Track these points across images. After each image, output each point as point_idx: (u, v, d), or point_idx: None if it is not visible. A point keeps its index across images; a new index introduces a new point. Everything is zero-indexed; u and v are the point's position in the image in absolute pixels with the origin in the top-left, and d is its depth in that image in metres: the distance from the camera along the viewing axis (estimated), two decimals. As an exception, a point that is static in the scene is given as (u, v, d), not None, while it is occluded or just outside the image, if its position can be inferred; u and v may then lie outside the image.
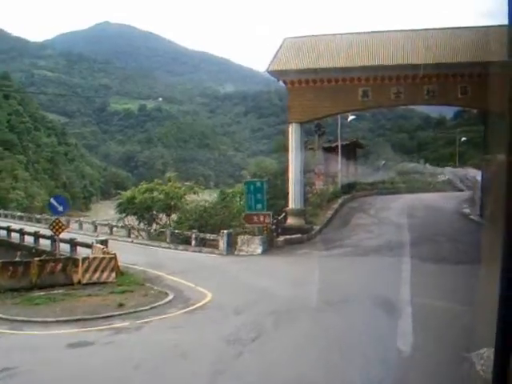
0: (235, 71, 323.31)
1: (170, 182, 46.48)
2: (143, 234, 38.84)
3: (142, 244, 35.54)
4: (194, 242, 32.73)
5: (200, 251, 31.13)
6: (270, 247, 29.65)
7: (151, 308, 16.71)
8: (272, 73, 33.28)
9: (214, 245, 31.59)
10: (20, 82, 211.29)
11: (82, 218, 51.01)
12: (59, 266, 20.94)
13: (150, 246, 34.73)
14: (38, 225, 46.52)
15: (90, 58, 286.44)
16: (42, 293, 19.30)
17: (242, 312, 15.67)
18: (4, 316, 15.93)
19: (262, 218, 29.58)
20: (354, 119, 58.16)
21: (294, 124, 32.50)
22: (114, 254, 22.79)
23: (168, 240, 34.96)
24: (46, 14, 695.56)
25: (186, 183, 47.40)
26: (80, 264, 21.39)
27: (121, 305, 17.08)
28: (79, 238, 31.97)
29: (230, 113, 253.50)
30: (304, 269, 23.23)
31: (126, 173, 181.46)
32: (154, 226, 43.50)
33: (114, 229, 41.83)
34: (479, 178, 38.09)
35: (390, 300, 15.01)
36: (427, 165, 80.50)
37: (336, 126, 48.79)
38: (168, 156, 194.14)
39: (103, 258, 22.01)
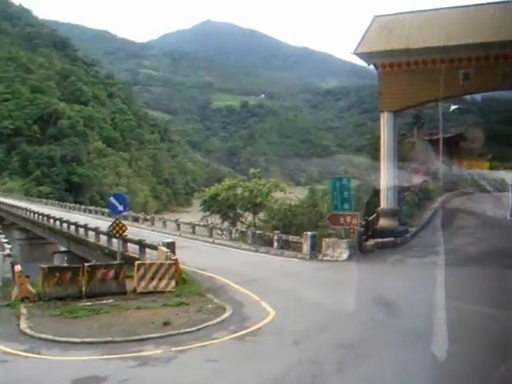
0: (337, 66, 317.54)
1: (254, 178, 44.05)
2: (226, 233, 36.48)
3: (221, 245, 33.18)
4: (276, 244, 29.94)
5: (281, 254, 28.30)
6: (357, 252, 26.30)
7: (198, 329, 14.16)
8: (360, 55, 29.62)
9: (297, 247, 28.69)
10: (125, 81, 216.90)
11: (166, 216, 49.42)
12: (111, 273, 18.86)
13: (229, 247, 32.31)
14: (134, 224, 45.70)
15: (192, 57, 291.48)
16: (88, 303, 17.57)
17: (302, 341, 12.74)
18: (30, 332, 14.24)
19: (348, 219, 26.26)
20: (456, 109, 53.25)
21: (385, 113, 28.81)
22: (176, 259, 20.50)
23: (249, 241, 32.42)
24: (150, 16, 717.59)
25: (271, 180, 44.81)
26: (135, 271, 19.22)
27: (166, 323, 14.70)
28: (159, 238, 30.68)
29: (333, 108, 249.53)
30: (393, 282, 19.98)
31: (228, 169, 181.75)
32: (240, 225, 41.22)
33: (197, 228, 39.75)
34: None
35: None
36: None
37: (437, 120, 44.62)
38: (270, 152, 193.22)
39: (162, 264, 19.69)
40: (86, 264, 19.29)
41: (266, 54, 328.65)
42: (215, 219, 42.16)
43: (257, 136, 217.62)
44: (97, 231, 32.95)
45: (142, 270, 19.20)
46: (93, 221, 42.94)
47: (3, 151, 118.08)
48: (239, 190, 41.68)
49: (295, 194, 43.04)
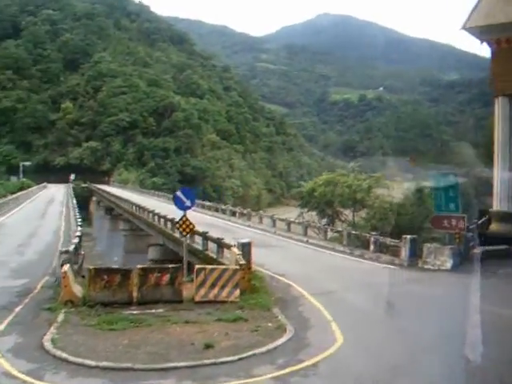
0: (459, 57, 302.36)
1: (354, 172, 40.47)
2: (321, 232, 33.35)
3: (314, 245, 29.91)
4: (372, 247, 26.47)
5: (376, 259, 24.64)
6: (463, 261, 22.39)
7: (239, 359, 11.27)
8: (471, 30, 25.13)
9: (396, 251, 25.14)
10: (243, 74, 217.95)
11: (261, 212, 46.56)
12: (166, 278, 16.37)
13: (322, 248, 28.91)
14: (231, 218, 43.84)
15: (310, 50, 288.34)
16: (135, 311, 15.30)
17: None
18: (48, 347, 12.15)
19: (453, 222, 22.34)
20: None
21: (500, 98, 24.43)
22: (244, 264, 17.78)
23: (344, 242, 29.16)
24: (268, 10, 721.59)
25: (373, 174, 40.83)
26: (194, 276, 16.78)
27: (208, 346, 11.98)
28: (249, 234, 29.98)
29: (454, 101, 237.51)
30: (503, 301, 16.13)
31: (344, 163, 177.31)
32: (339, 224, 37.85)
33: (293, 225, 36.85)
34: None
35: None
36: None
37: None
38: (387, 146, 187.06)
39: (225, 270, 16.97)
40: (138, 266, 17.11)
41: (385, 46, 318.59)
42: (312, 216, 39.09)
43: (374, 130, 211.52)
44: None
45: (201, 276, 16.50)
46: (198, 215, 41.60)
47: (120, 143, 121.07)
48: (338, 186, 38.10)
49: (402, 191, 39.17)
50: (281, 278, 20.24)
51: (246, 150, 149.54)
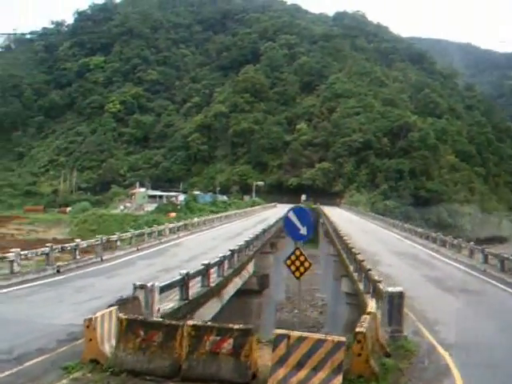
0: None
1: None
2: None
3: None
4: None
5: None
6: None
7: None
8: None
9: None
10: (488, 93, 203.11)
11: (472, 244, 35.18)
12: (227, 344, 10.11)
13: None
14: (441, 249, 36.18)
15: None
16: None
17: None
18: None
19: None
20: None
21: None
22: (360, 333, 9.81)
23: None
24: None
25: None
26: (273, 346, 9.83)
27: None
28: (459, 272, 23.90)
29: None
30: None
31: None
32: None
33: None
34: None
35: None
36: None
37: None
38: None
39: (321, 342, 9.54)
40: (189, 322, 10.79)
41: None
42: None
43: None
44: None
45: (281, 347, 9.65)
46: (405, 244, 35.81)
47: (352, 164, 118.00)
48: None
49: None
50: (440, 349, 12.46)
51: (488, 172, 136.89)
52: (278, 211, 69.30)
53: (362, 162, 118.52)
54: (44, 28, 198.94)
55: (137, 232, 33.11)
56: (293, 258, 13.99)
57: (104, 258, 25.69)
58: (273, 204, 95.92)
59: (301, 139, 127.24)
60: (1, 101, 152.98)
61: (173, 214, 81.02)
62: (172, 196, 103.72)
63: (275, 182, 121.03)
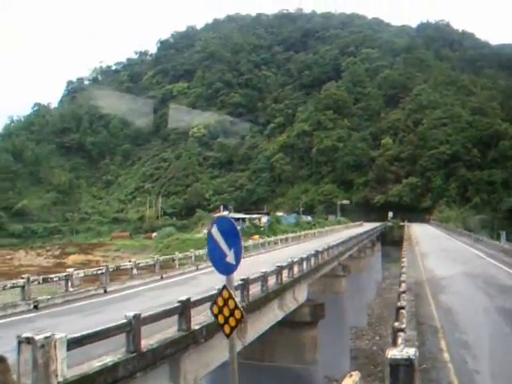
0: None
1: None
2: None
3: None
4: None
5: None
6: None
7: None
8: None
9: None
10: None
11: None
12: None
13: None
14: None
15: None
16: None
17: None
18: None
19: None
20: None
21: None
22: None
23: None
24: None
25: None
26: None
27: None
28: None
29: None
30: None
31: None
32: None
33: None
34: None
35: None
36: None
37: None
38: None
39: None
40: None
41: None
42: None
43: None
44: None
45: None
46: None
47: (441, 178, 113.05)
48: None
49: None
50: None
51: None
52: (361, 230, 66.90)
53: (451, 175, 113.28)
54: (128, 59, 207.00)
55: (162, 258, 29.00)
56: (219, 301, 8.07)
57: (110, 289, 21.31)
58: (358, 223, 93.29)
59: (386, 154, 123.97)
60: (89, 131, 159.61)
61: (256, 237, 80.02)
62: (255, 218, 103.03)
63: (361, 199, 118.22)
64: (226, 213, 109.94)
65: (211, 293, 12.46)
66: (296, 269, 24.23)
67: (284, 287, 21.41)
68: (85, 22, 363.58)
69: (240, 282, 15.77)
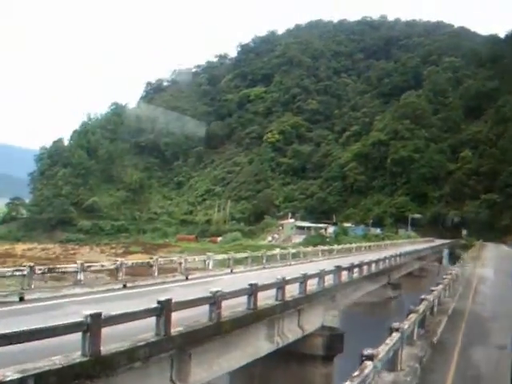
0: None
1: None
2: None
3: None
4: None
5: None
6: None
7: None
8: None
9: None
10: None
11: None
12: None
13: None
14: None
15: None
16: None
17: None
18: None
19: None
20: None
21: None
22: None
23: None
24: None
25: None
26: None
27: None
28: None
29: None
30: None
31: None
32: None
33: None
34: None
35: None
36: None
37: None
38: None
39: None
40: None
41: None
42: None
43: None
44: None
45: None
46: None
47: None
48: None
49: None
50: None
51: None
52: (424, 246, 63.20)
53: None
54: (208, 62, 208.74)
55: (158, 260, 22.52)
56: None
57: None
58: (429, 239, 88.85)
59: (464, 168, 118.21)
60: (164, 132, 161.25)
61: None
62: (321, 228, 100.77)
63: (435, 214, 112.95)
64: (292, 221, 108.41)
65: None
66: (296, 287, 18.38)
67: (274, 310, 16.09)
68: (168, 26, 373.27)
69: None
